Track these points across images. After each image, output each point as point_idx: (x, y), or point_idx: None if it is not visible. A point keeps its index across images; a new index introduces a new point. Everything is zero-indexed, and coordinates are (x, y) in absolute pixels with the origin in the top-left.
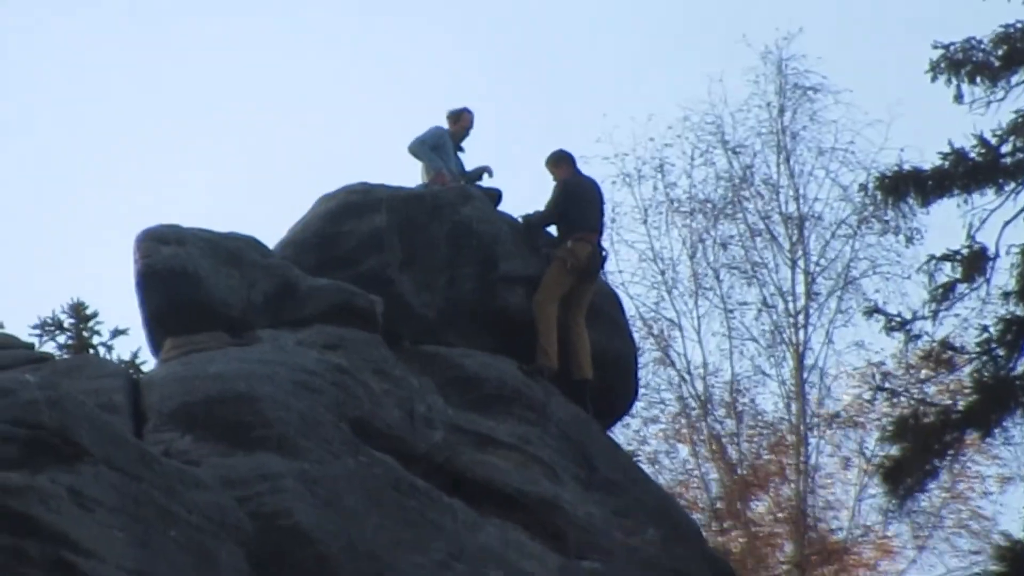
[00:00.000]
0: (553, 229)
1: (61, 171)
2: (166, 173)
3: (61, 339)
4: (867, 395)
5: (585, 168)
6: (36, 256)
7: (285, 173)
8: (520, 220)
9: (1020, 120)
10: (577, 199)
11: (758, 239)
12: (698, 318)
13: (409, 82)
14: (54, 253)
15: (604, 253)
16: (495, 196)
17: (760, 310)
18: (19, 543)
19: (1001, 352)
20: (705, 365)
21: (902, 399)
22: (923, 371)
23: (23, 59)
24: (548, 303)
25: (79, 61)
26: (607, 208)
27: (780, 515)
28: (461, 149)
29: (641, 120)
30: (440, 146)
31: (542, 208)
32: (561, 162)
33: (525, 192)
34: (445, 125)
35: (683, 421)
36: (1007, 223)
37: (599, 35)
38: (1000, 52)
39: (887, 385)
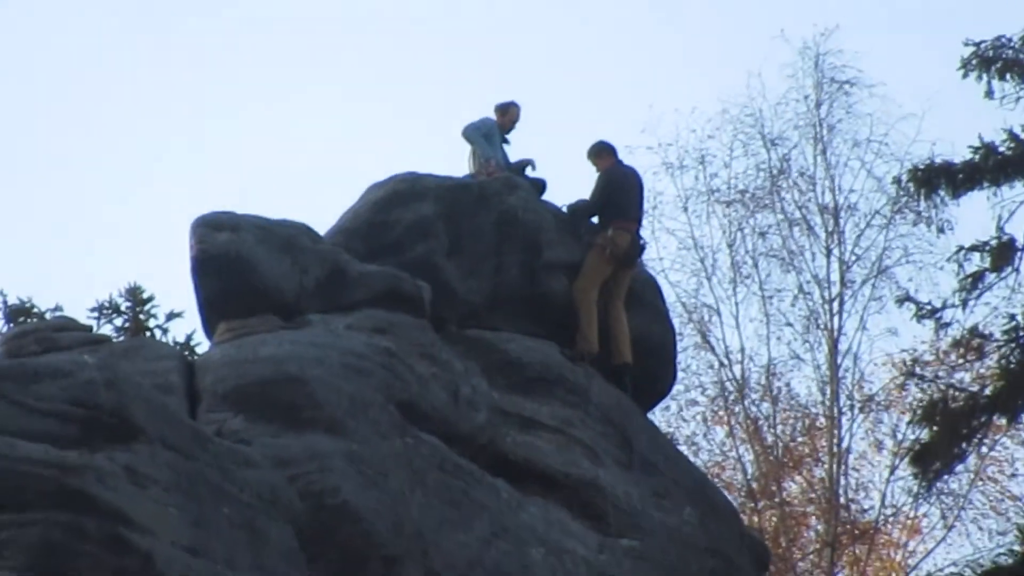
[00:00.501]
0: (595, 218)
1: (119, 157)
2: (222, 160)
3: (118, 322)
4: (899, 380)
5: (629, 158)
6: (94, 241)
7: (336, 163)
8: (564, 209)
9: None
10: (618, 189)
11: (795, 228)
12: (736, 304)
13: (460, 73)
14: (112, 238)
15: (643, 242)
16: (540, 186)
17: (796, 297)
18: (77, 520)
19: None
20: (743, 350)
21: (932, 385)
22: (953, 357)
23: (84, 50)
24: (589, 290)
25: (138, 54)
26: (648, 197)
27: (812, 495)
28: (507, 141)
29: (684, 112)
30: (489, 135)
31: (586, 198)
32: (603, 153)
33: (569, 182)
34: (493, 116)
35: (720, 404)
36: None
37: (642, 30)
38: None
39: (918, 371)
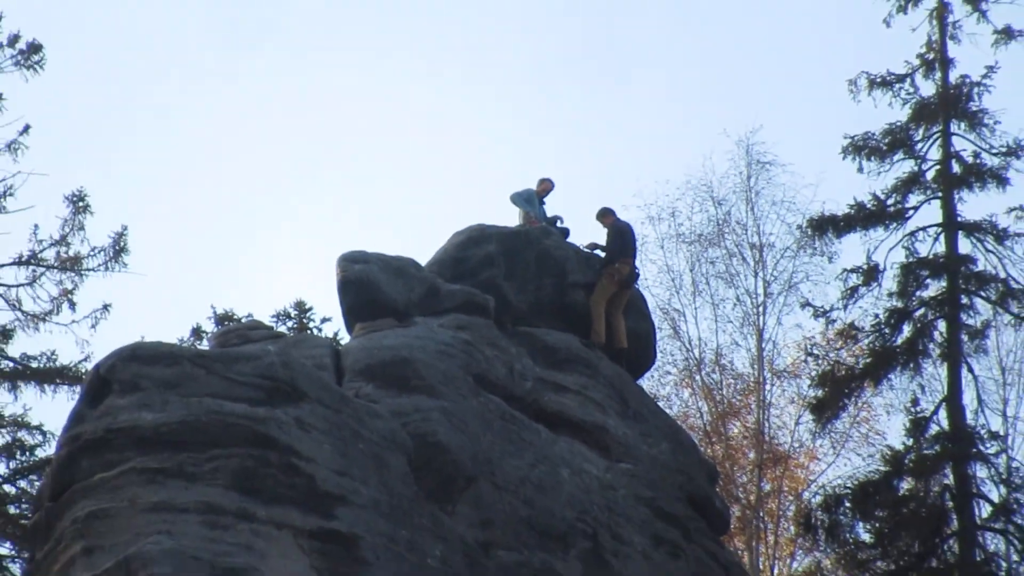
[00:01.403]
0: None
1: (292, 204)
2: (359, 205)
3: (289, 324)
4: (802, 358)
5: (623, 214)
6: (273, 267)
7: (427, 215)
8: (585, 247)
9: (898, 183)
10: (621, 236)
11: (733, 259)
12: (696, 309)
13: (500, 157)
14: (285, 265)
15: (637, 271)
16: (565, 233)
17: (735, 304)
18: (264, 454)
19: (887, 330)
20: (700, 339)
21: (823, 360)
22: (838, 343)
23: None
24: (600, 302)
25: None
26: (638, 239)
27: (746, 435)
28: (543, 203)
29: (660, 183)
30: (530, 199)
31: (597, 241)
32: (608, 214)
33: (584, 229)
34: (534, 187)
35: (686, 374)
36: (891, 248)
37: (633, 126)
38: (886, 141)
39: (814, 351)
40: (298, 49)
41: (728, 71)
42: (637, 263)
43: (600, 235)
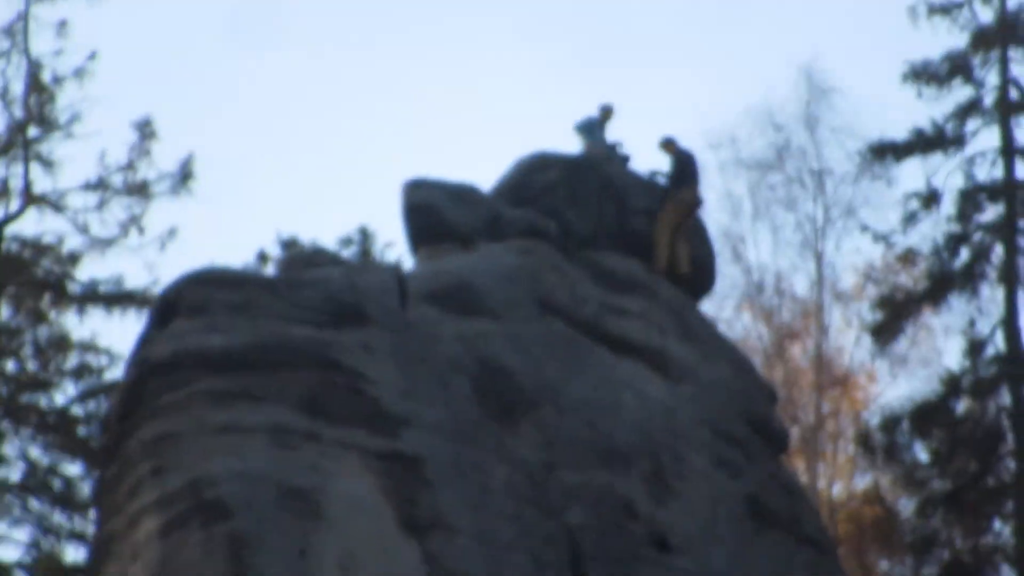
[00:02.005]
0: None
1: (369, 129)
2: (422, 132)
3: (353, 249)
4: (862, 282)
5: (686, 142)
6: (339, 192)
7: (493, 140)
8: (647, 174)
9: (956, 112)
10: (685, 165)
11: (794, 184)
12: (756, 234)
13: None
14: (351, 190)
15: (701, 198)
16: (626, 159)
17: (795, 229)
18: (329, 375)
19: (946, 254)
20: (760, 263)
21: (883, 284)
22: (897, 267)
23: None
24: (663, 230)
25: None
26: (700, 167)
27: (806, 357)
28: (604, 130)
29: (723, 109)
30: (591, 127)
31: (661, 169)
32: (671, 142)
33: (645, 157)
34: (596, 115)
35: (746, 298)
36: (949, 174)
37: (698, 56)
38: (945, 67)
39: (874, 275)
40: None
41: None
42: (700, 190)
43: (663, 163)
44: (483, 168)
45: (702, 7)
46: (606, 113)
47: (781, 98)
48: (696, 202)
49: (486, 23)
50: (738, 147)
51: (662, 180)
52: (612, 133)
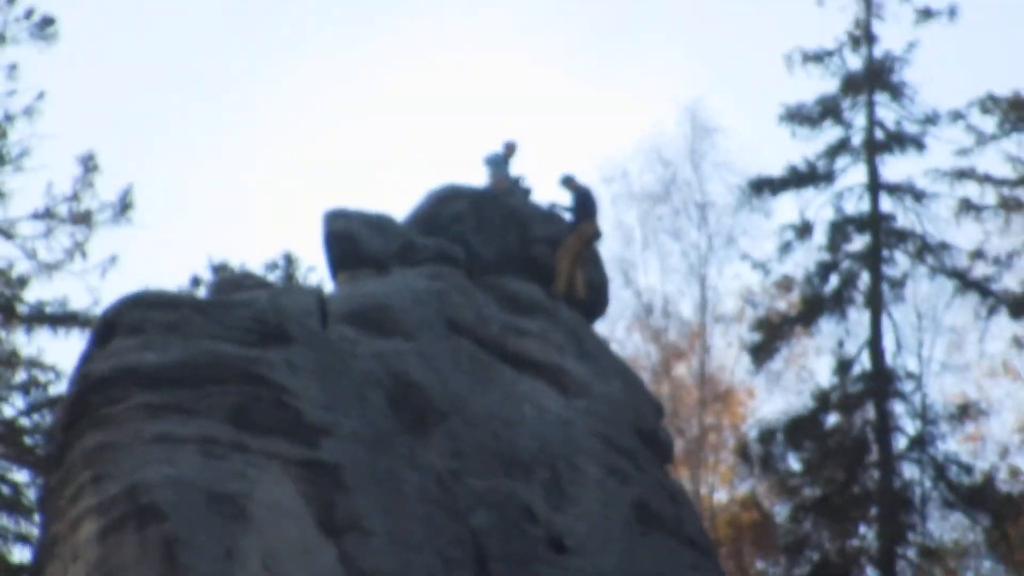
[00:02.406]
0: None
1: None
2: (342, 166)
3: (278, 273)
4: (741, 305)
5: (584, 178)
6: (262, 222)
7: (404, 175)
8: (549, 205)
9: (827, 150)
10: (584, 200)
11: (680, 216)
12: (645, 261)
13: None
14: (276, 219)
15: (600, 230)
16: (527, 191)
17: (680, 256)
18: (256, 390)
19: (817, 280)
20: (649, 288)
21: (761, 308)
22: (774, 292)
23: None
24: (565, 257)
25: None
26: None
27: (690, 374)
28: (508, 165)
29: (615, 147)
30: (498, 162)
31: (560, 201)
32: (570, 180)
33: (545, 190)
34: (501, 150)
35: (637, 319)
36: (821, 207)
37: (594, 97)
38: (817, 109)
39: (752, 300)
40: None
41: (675, 44)
42: (599, 223)
43: (563, 197)
44: (397, 197)
45: (593, 53)
46: (510, 149)
47: (668, 136)
48: (595, 234)
49: (401, 50)
50: (629, 181)
51: (561, 212)
52: (515, 167)
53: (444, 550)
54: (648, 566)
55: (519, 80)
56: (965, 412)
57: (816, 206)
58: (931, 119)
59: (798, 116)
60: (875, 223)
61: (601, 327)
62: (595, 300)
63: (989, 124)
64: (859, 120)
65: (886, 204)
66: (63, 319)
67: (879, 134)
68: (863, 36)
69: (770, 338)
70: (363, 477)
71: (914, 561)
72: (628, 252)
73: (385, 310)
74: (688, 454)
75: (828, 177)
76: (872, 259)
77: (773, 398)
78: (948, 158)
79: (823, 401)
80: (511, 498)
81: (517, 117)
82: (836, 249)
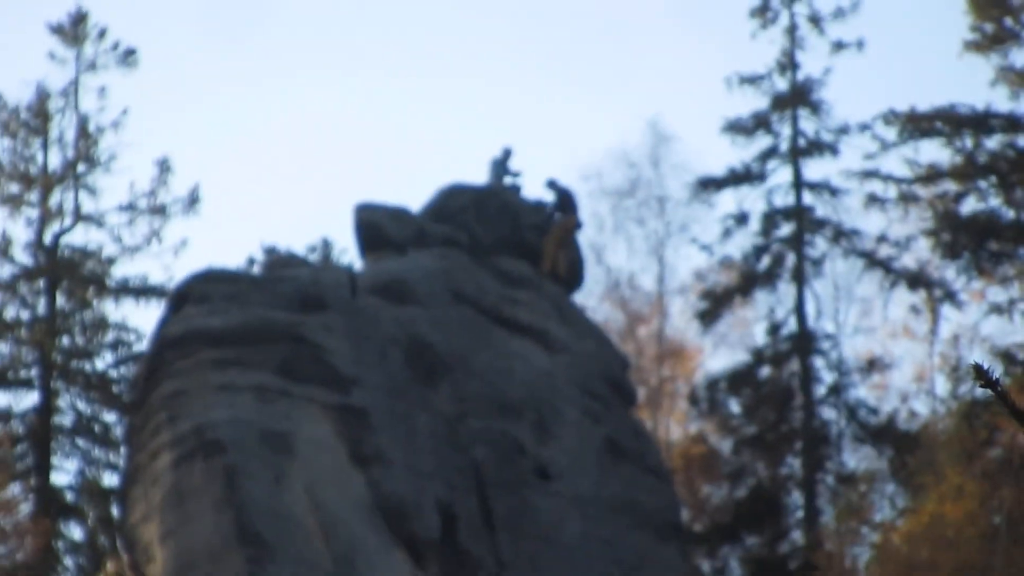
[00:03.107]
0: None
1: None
2: (372, 167)
3: (317, 254)
4: (692, 279)
5: (565, 178)
6: (308, 211)
7: (425, 174)
8: (535, 201)
9: (759, 155)
10: (566, 199)
11: (643, 207)
12: (615, 244)
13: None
14: (317, 210)
15: (580, 222)
16: (518, 188)
17: (644, 240)
18: (299, 348)
19: (753, 260)
20: (617, 266)
21: (708, 281)
22: (718, 269)
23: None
24: (550, 244)
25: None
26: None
27: (651, 335)
28: (506, 165)
29: (590, 150)
30: (497, 164)
31: (550, 201)
32: (553, 184)
33: (532, 186)
34: (500, 155)
35: (607, 291)
36: (755, 201)
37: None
38: (752, 122)
39: (701, 275)
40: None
41: (639, 68)
42: (579, 216)
43: (547, 195)
44: (413, 192)
45: (574, 74)
46: (506, 153)
47: (634, 143)
48: (575, 225)
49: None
50: (602, 179)
51: (547, 207)
52: (513, 168)
53: (451, 478)
54: (617, 489)
55: (516, 97)
56: (872, 366)
57: (751, 200)
58: (844, 130)
59: (736, 127)
60: (799, 214)
61: (578, 297)
62: (573, 276)
63: (891, 134)
64: (785, 130)
65: (808, 198)
66: (144, 291)
67: (802, 142)
68: (788, 63)
69: (715, 306)
70: (385, 418)
71: (831, 486)
72: (600, 237)
73: (403, 284)
74: (649, 400)
75: (761, 176)
76: (797, 243)
77: (718, 354)
78: (858, 161)
79: (758, 357)
80: (505, 435)
81: (514, 126)
82: (768, 235)
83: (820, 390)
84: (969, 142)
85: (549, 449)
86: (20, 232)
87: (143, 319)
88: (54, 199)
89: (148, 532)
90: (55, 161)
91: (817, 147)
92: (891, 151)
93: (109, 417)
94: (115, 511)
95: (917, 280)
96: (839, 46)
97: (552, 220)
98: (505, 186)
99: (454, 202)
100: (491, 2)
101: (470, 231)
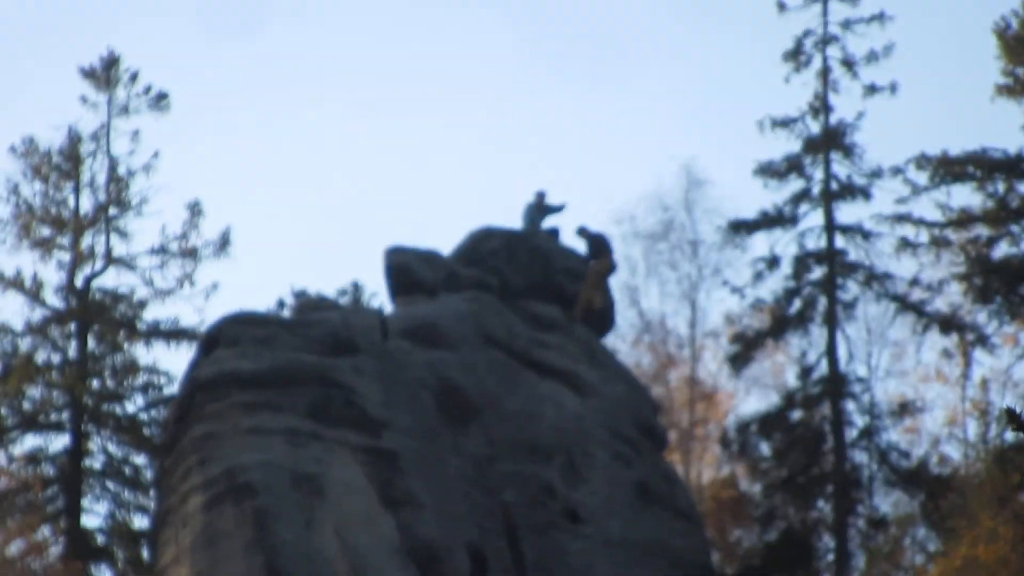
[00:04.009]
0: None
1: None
2: (402, 210)
3: (347, 297)
4: (724, 322)
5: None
6: (338, 256)
7: (457, 217)
8: (566, 248)
9: (791, 198)
10: (600, 244)
11: (675, 250)
12: (647, 287)
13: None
14: (347, 254)
15: (615, 265)
16: (554, 232)
17: (676, 283)
18: (329, 391)
19: (784, 303)
20: (649, 308)
21: (739, 324)
22: (749, 312)
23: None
24: (586, 289)
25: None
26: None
27: (682, 378)
28: (539, 209)
29: (623, 195)
30: (530, 209)
31: (580, 247)
32: (583, 231)
33: (566, 231)
34: (533, 200)
35: (639, 334)
36: (786, 244)
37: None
38: (784, 165)
39: (732, 318)
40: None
41: (674, 113)
42: (613, 260)
43: (579, 244)
44: (443, 235)
45: (604, 120)
46: (540, 198)
47: (667, 186)
48: (610, 268)
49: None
50: (635, 223)
51: (581, 254)
52: (553, 204)
53: (481, 521)
54: (647, 533)
55: (550, 140)
56: (904, 409)
57: (783, 243)
58: (876, 173)
59: (769, 170)
60: (831, 257)
61: (610, 340)
62: (604, 319)
63: (923, 178)
64: (818, 174)
65: (840, 242)
66: (175, 334)
67: (834, 185)
68: (821, 106)
69: (746, 349)
70: (415, 461)
71: (862, 530)
72: (633, 280)
73: (433, 327)
74: (680, 443)
75: (793, 220)
76: (828, 286)
77: (749, 398)
78: (890, 205)
79: (789, 400)
80: (535, 478)
81: (547, 169)
82: (799, 278)
83: (852, 434)
84: (1001, 186)
85: (579, 492)
86: (51, 275)
87: (174, 362)
88: (85, 242)
89: (178, 575)
90: (86, 204)
91: (849, 191)
92: (923, 195)
93: (140, 460)
94: (145, 554)
95: (949, 324)
96: (872, 89)
97: (586, 264)
98: (541, 230)
99: (485, 245)
100: (527, 47)
101: (501, 274)
